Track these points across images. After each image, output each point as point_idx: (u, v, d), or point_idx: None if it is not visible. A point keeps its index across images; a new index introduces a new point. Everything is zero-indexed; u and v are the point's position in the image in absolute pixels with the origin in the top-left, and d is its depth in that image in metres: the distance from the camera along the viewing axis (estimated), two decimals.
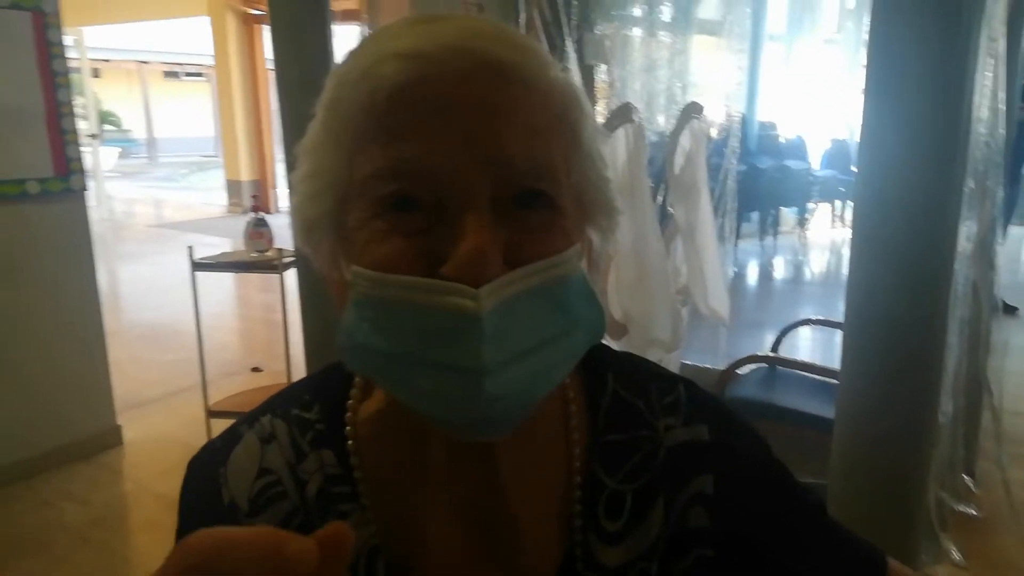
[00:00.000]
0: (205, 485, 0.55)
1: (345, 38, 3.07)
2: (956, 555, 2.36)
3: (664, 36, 3.17)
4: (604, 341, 0.53)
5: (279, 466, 0.55)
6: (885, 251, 1.68)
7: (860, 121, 1.63)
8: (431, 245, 0.44)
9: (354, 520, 0.53)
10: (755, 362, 2.77)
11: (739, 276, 6.54)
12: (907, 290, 1.68)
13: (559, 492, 0.56)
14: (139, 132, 21.46)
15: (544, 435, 0.56)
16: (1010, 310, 4.91)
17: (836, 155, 7.78)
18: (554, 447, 0.57)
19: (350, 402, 0.57)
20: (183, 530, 0.56)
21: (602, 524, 0.55)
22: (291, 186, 0.52)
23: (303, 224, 0.51)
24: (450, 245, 0.43)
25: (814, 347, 4.52)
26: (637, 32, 3.11)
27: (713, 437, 0.58)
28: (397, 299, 0.44)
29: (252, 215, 2.94)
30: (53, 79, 2.89)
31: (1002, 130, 2.09)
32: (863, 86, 1.65)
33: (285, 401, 0.58)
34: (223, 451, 0.56)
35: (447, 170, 0.44)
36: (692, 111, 2.51)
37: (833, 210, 8.10)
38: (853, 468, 1.85)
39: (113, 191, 12.16)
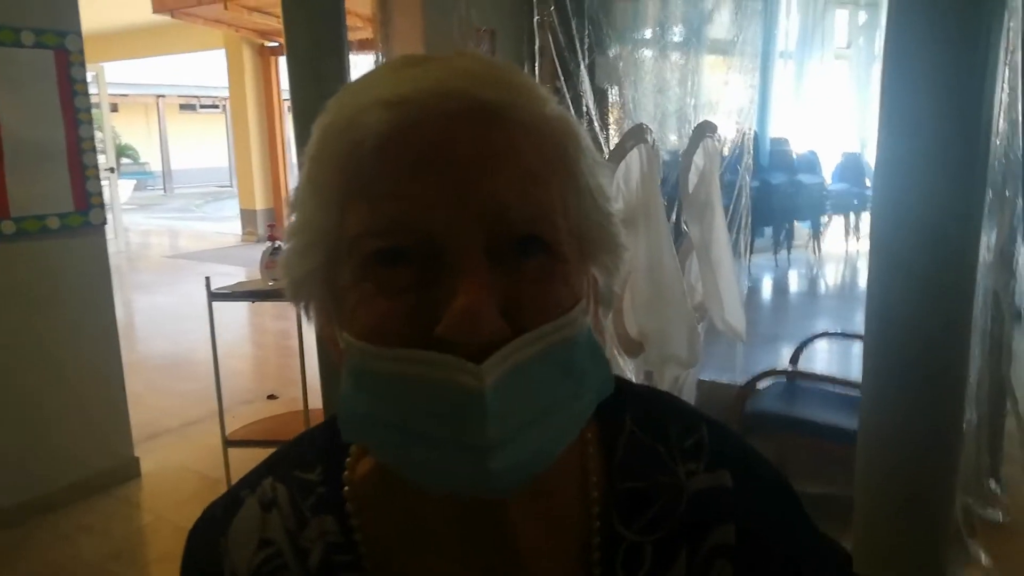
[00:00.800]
0: (206, 556, 0.54)
1: (362, 68, 3.11)
2: (984, 560, 2.32)
3: (676, 56, 3.18)
4: (619, 358, 0.51)
5: (280, 536, 0.52)
6: (904, 261, 1.66)
7: (874, 133, 1.62)
8: (424, 303, 0.42)
9: None
10: (774, 376, 2.74)
11: (754, 290, 6.51)
12: (928, 300, 1.65)
13: (577, 547, 0.53)
14: (155, 164, 21.74)
15: (560, 484, 0.53)
16: None
17: (848, 168, 7.74)
18: (570, 497, 0.54)
19: (348, 460, 0.54)
20: None
21: None
22: (284, 239, 0.50)
23: (291, 281, 0.48)
24: (444, 303, 0.41)
25: (831, 359, 4.48)
26: (649, 53, 3.12)
27: (736, 484, 0.55)
28: (391, 373, 0.42)
29: (268, 244, 2.96)
30: (75, 115, 2.94)
31: (1020, 140, 2.08)
32: (878, 98, 1.64)
33: (288, 461, 0.56)
34: (223, 520, 0.54)
35: (438, 221, 0.42)
36: (705, 130, 2.51)
37: (846, 223, 8.04)
38: (878, 479, 1.81)
39: (130, 223, 12.29)
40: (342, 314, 0.45)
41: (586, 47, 2.67)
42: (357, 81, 0.47)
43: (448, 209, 0.41)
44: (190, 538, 0.56)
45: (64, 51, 2.89)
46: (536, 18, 2.40)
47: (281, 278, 0.49)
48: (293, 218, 0.47)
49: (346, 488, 0.53)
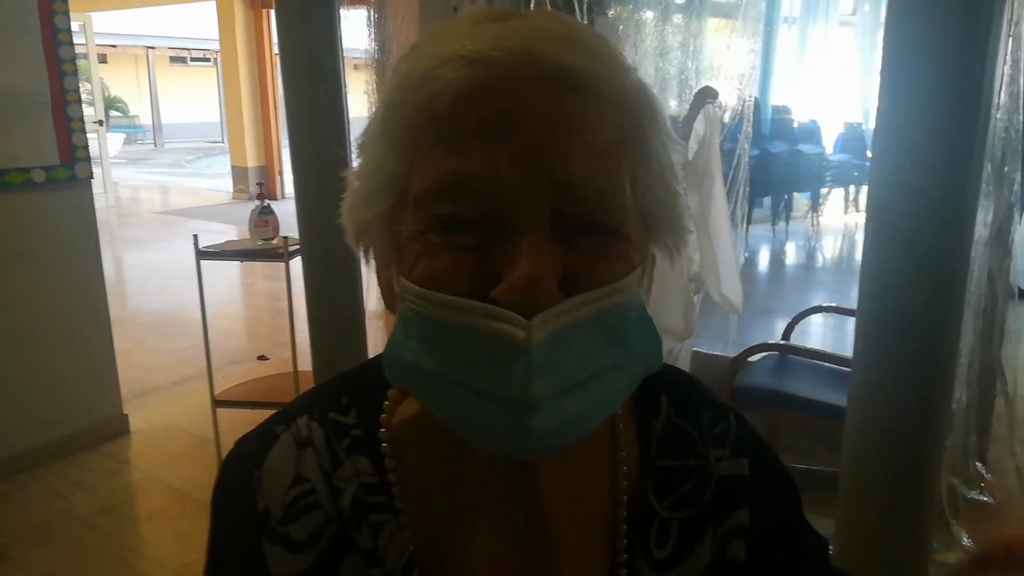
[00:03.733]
0: (239, 487, 0.53)
1: (353, 23, 3.03)
2: (968, 542, 2.34)
3: (677, 19, 3.11)
4: None
5: (314, 474, 0.52)
6: (900, 238, 1.64)
7: (876, 105, 1.58)
8: (485, 264, 0.42)
9: (388, 530, 0.51)
10: (767, 350, 2.73)
11: (750, 262, 6.50)
12: (922, 277, 1.64)
13: (604, 515, 0.54)
14: (145, 118, 21.44)
15: (590, 454, 0.54)
16: None
17: (850, 139, 7.67)
18: (600, 467, 0.55)
19: (387, 403, 0.54)
20: (216, 530, 0.54)
21: (652, 551, 0.54)
22: (347, 181, 0.49)
23: (355, 225, 0.49)
24: (504, 267, 0.41)
25: (825, 334, 4.49)
26: (650, 15, 3.06)
27: (752, 472, 0.58)
28: (445, 320, 0.42)
29: (257, 203, 2.91)
30: (59, 66, 2.87)
31: (1020, 115, 2.04)
32: (879, 69, 1.60)
33: (323, 403, 0.56)
34: (258, 453, 0.54)
35: (506, 189, 0.42)
36: (706, 96, 2.46)
37: (847, 195, 8.02)
38: (865, 456, 1.82)
39: (119, 177, 12.16)
40: (402, 261, 0.45)
41: (585, 7, 2.60)
42: (437, 31, 0.46)
43: (515, 176, 0.41)
44: (224, 469, 0.55)
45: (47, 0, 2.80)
46: None
47: (345, 221, 0.50)
48: (361, 161, 0.48)
49: (383, 430, 0.53)
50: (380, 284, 0.50)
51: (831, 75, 7.43)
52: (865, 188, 7.68)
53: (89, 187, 3.08)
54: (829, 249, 7.41)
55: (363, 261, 0.51)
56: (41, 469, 2.92)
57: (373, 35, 3.07)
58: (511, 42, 0.42)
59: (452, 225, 0.43)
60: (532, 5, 2.41)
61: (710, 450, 0.58)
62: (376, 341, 2.59)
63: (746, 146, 3.11)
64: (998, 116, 1.97)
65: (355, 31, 3.05)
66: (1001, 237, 2.16)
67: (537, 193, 0.42)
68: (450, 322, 0.42)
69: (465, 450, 0.49)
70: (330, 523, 0.51)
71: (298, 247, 2.72)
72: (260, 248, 2.84)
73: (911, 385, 1.69)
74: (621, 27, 2.78)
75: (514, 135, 0.41)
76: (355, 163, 0.49)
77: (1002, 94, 1.96)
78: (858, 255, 7.21)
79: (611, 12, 2.80)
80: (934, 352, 1.67)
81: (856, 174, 7.57)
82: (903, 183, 1.59)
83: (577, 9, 2.54)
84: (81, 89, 3.02)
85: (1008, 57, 1.98)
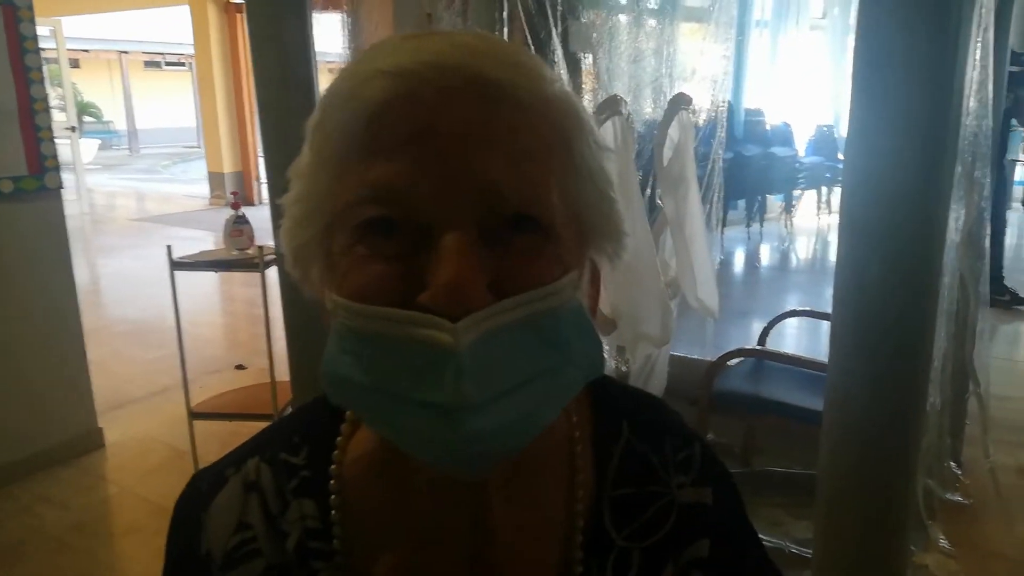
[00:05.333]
0: (187, 529, 0.55)
1: (326, 26, 3.01)
2: (944, 543, 2.36)
3: (651, 23, 3.13)
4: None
5: (257, 520, 0.53)
6: (873, 241, 1.66)
7: (847, 108, 1.60)
8: (413, 271, 0.42)
9: None
10: (744, 355, 2.75)
11: (726, 264, 6.55)
12: (895, 280, 1.66)
13: (558, 544, 0.53)
14: (120, 123, 21.17)
15: (544, 480, 0.53)
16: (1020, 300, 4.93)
17: (821, 142, 7.78)
18: (554, 494, 0.54)
19: (339, 439, 0.54)
20: (166, 569, 0.56)
21: None
22: (283, 209, 0.49)
23: (292, 250, 0.49)
24: (432, 272, 0.41)
25: (799, 335, 4.53)
26: (623, 20, 3.07)
27: (715, 502, 0.57)
28: (374, 331, 0.42)
29: (232, 212, 2.88)
30: (26, 74, 2.82)
31: (989, 120, 2.07)
32: (850, 72, 1.62)
33: (274, 442, 0.56)
34: (207, 496, 0.55)
35: (429, 196, 0.41)
36: (680, 102, 2.47)
37: (819, 197, 8.11)
38: (841, 459, 1.83)
39: (94, 184, 12.00)
40: (333, 278, 0.45)
41: (559, 13, 2.60)
42: (363, 53, 0.47)
43: (438, 182, 0.41)
44: (176, 508, 0.57)
45: (11, 7, 2.75)
46: None
47: (283, 247, 0.49)
48: (294, 188, 0.48)
49: (333, 467, 0.53)
50: (321, 309, 0.49)
51: (802, 78, 7.53)
52: (837, 190, 7.79)
53: (59, 197, 3.03)
54: (803, 250, 7.49)
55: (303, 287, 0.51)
56: (12, 486, 2.86)
57: (348, 39, 3.05)
58: (428, 55, 0.43)
59: (379, 230, 0.43)
60: (506, 13, 2.41)
61: (672, 477, 0.56)
62: None
63: (720, 151, 3.13)
64: (968, 121, 2.00)
65: (329, 35, 3.04)
66: (972, 241, 2.19)
67: (461, 198, 0.41)
68: (379, 332, 0.42)
69: (415, 483, 0.50)
70: (271, 570, 0.51)
71: (273, 256, 2.70)
72: (235, 258, 2.81)
73: (886, 388, 1.71)
74: (595, 33, 2.79)
75: (434, 146, 0.42)
76: (289, 192, 0.49)
77: (971, 100, 1.98)
78: (831, 256, 7.33)
79: (585, 18, 2.81)
80: (909, 355, 1.68)
81: (828, 176, 7.67)
82: (876, 188, 1.60)
83: (550, 15, 2.54)
84: (53, 95, 2.99)
85: (977, 63, 2.01)
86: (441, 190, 0.41)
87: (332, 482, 0.53)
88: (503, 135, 0.43)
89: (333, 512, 0.52)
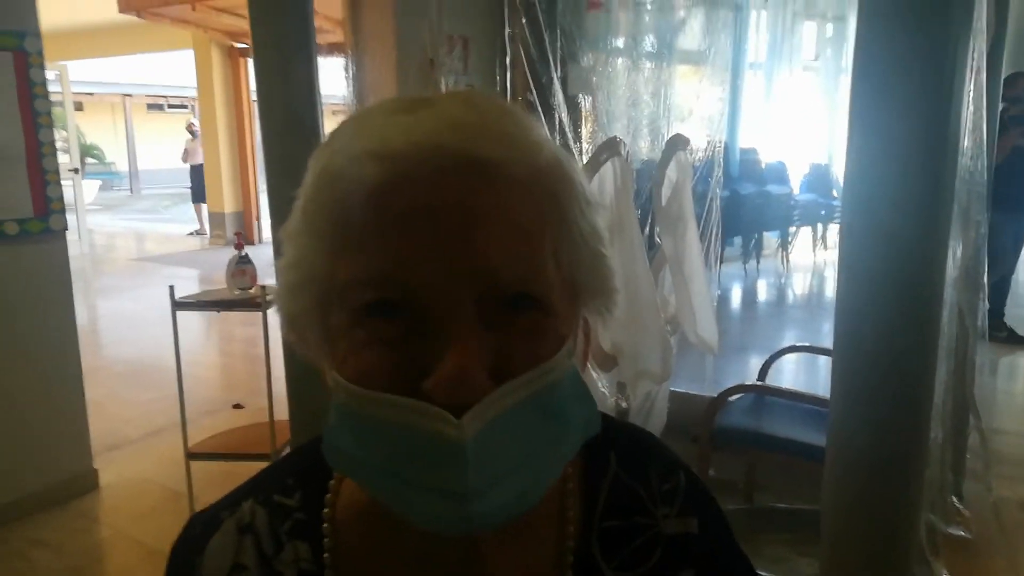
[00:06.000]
0: (181, 573, 0.55)
1: (332, 71, 3.07)
2: None
3: (648, 67, 3.19)
4: (592, 372, 0.51)
5: (252, 562, 0.53)
6: (873, 277, 1.67)
7: (841, 145, 1.63)
8: (413, 354, 0.42)
9: None
10: (746, 391, 2.75)
11: (723, 300, 6.57)
12: (897, 315, 1.66)
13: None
14: (122, 164, 21.33)
15: (537, 521, 0.54)
16: (1022, 340, 4.95)
17: (816, 179, 7.86)
18: (546, 530, 0.55)
19: (332, 482, 0.55)
20: None
21: None
22: (277, 271, 0.50)
23: (288, 316, 0.49)
24: (433, 356, 0.41)
25: (798, 370, 4.52)
26: (621, 63, 3.13)
27: (701, 531, 0.57)
28: (377, 416, 0.42)
29: (235, 252, 2.90)
30: (34, 119, 2.86)
31: (984, 159, 2.11)
32: (845, 109, 1.65)
33: (268, 485, 0.57)
34: (201, 539, 0.55)
35: (426, 281, 0.42)
36: (678, 143, 2.52)
37: (814, 233, 8.16)
38: (845, 496, 1.82)
39: (94, 224, 12.06)
40: (333, 354, 0.45)
41: (559, 58, 2.66)
42: (350, 123, 0.47)
43: (435, 267, 0.42)
44: (172, 552, 0.57)
45: (23, 52, 2.81)
46: (508, 30, 2.39)
47: (278, 310, 0.50)
48: (287, 252, 0.48)
49: (326, 510, 0.54)
50: (320, 372, 0.49)
51: (796, 118, 7.64)
52: (832, 226, 7.85)
53: (63, 239, 3.05)
54: (799, 286, 7.53)
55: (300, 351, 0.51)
56: (4, 529, 2.82)
57: (352, 83, 3.11)
58: (419, 135, 0.42)
59: (378, 314, 0.43)
60: (508, 59, 2.46)
61: (658, 508, 0.57)
62: None
63: (717, 189, 3.17)
64: (963, 161, 2.03)
65: (332, 78, 3.09)
66: (970, 276, 2.21)
67: (459, 282, 0.42)
68: (382, 418, 0.42)
69: (407, 535, 0.50)
70: None
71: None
72: (237, 298, 2.82)
73: (889, 423, 1.70)
74: (595, 77, 2.85)
75: (431, 228, 0.42)
76: (282, 256, 0.49)
77: (967, 139, 2.02)
78: (827, 291, 7.35)
79: (584, 62, 2.87)
80: (911, 389, 1.68)
81: (823, 213, 7.73)
82: (875, 224, 1.62)
83: (551, 59, 2.60)
84: (57, 137, 3.01)
85: (971, 104, 2.05)
86: (440, 274, 0.42)
87: (325, 525, 0.53)
88: (497, 215, 0.43)
89: (326, 555, 0.53)
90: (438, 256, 0.42)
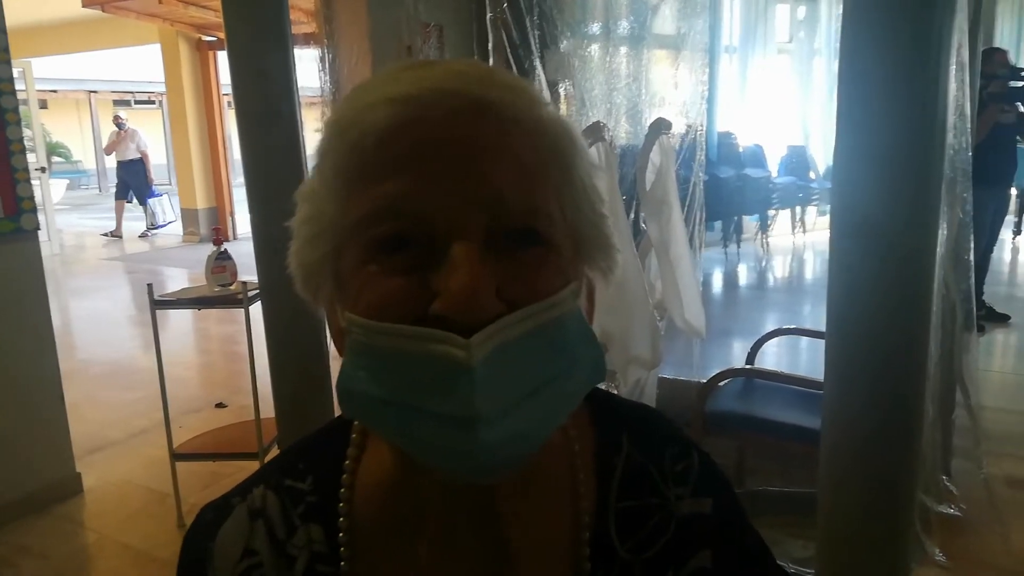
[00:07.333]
0: (194, 561, 0.55)
1: (306, 63, 3.01)
2: (940, 556, 2.37)
3: (627, 51, 3.18)
4: None
5: (263, 547, 0.54)
6: (864, 257, 1.67)
7: (816, 127, 1.62)
8: (424, 283, 0.43)
9: None
10: (735, 375, 2.75)
11: (705, 284, 6.60)
12: (888, 295, 1.67)
13: (567, 557, 0.54)
14: (89, 163, 20.95)
15: (550, 496, 0.54)
16: (1000, 318, 5.01)
17: (793, 161, 7.91)
18: (560, 508, 0.55)
19: (346, 463, 0.55)
20: None
21: None
22: (292, 230, 0.51)
23: (302, 270, 0.50)
24: (442, 281, 0.42)
25: (780, 352, 4.56)
26: (599, 48, 3.11)
27: (715, 512, 0.58)
28: (389, 347, 0.43)
29: (214, 248, 2.84)
30: (2, 116, 2.78)
31: (968, 137, 2.12)
32: (819, 91, 1.64)
33: (278, 470, 0.57)
34: (212, 526, 0.56)
35: (437, 208, 0.43)
36: (661, 127, 2.50)
37: (793, 216, 8.22)
38: (842, 477, 1.83)
39: (64, 224, 11.83)
40: (346, 296, 0.47)
41: (537, 40, 2.62)
42: (367, 82, 0.49)
43: (446, 193, 0.43)
44: (184, 540, 0.58)
45: None
46: (489, 15, 2.36)
47: (292, 269, 0.51)
48: (302, 210, 0.50)
49: (343, 491, 0.54)
50: (330, 328, 0.51)
51: (771, 100, 7.68)
52: (811, 209, 7.90)
53: (36, 239, 2.98)
54: (780, 269, 7.58)
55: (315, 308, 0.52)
56: None
57: (327, 74, 3.05)
58: (430, 82, 0.45)
59: (389, 247, 0.44)
60: (491, 44, 2.43)
61: (671, 489, 0.57)
62: None
63: (700, 173, 3.16)
64: (949, 139, 2.04)
65: (307, 70, 3.04)
66: (957, 255, 2.23)
67: (468, 207, 0.43)
68: (393, 348, 0.43)
69: (425, 514, 0.51)
70: None
71: (257, 291, 2.66)
72: (218, 295, 2.76)
73: (883, 403, 1.71)
74: (575, 60, 2.82)
75: (439, 161, 0.44)
76: (296, 214, 0.51)
77: (951, 116, 2.03)
78: (807, 274, 7.39)
79: (563, 45, 2.84)
80: (905, 369, 1.68)
81: (801, 195, 7.79)
82: (865, 204, 1.61)
83: (533, 42, 2.56)
84: (23, 137, 2.93)
85: (953, 80, 2.06)
86: (450, 200, 0.43)
87: (341, 505, 0.54)
88: (504, 150, 0.45)
89: (341, 535, 0.53)
90: (449, 183, 0.43)
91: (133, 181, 10.62)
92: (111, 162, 20.60)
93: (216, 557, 0.54)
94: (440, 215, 0.43)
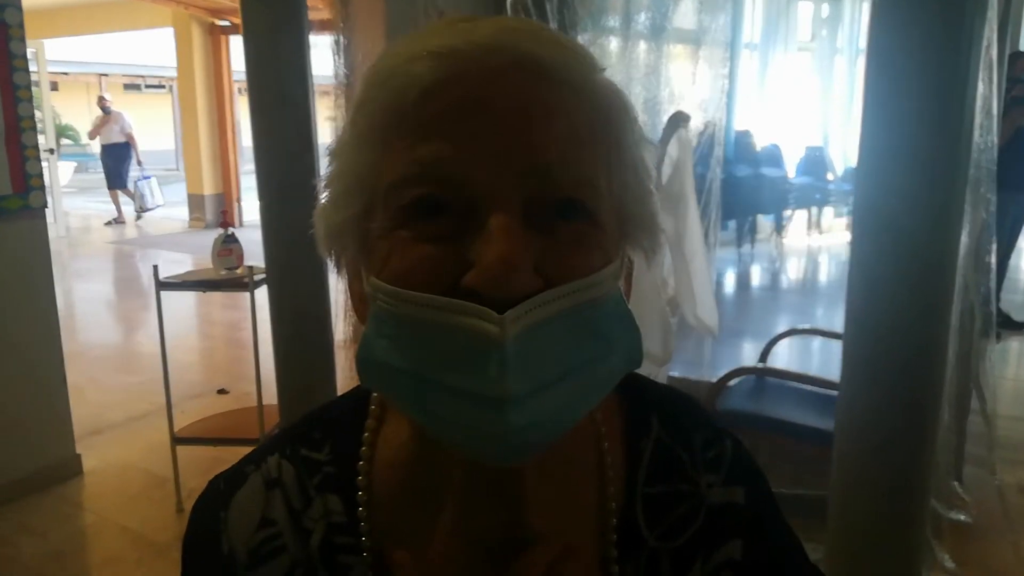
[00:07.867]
0: (206, 529, 0.53)
1: (322, 48, 2.97)
2: (950, 563, 2.34)
3: (645, 45, 3.13)
4: None
5: (282, 516, 0.52)
6: (885, 259, 1.64)
7: (836, 129, 1.58)
8: (458, 253, 0.40)
9: (356, 574, 0.50)
10: (747, 374, 2.72)
11: (718, 284, 6.55)
12: (908, 297, 1.63)
13: (593, 541, 0.52)
14: (97, 146, 20.99)
15: (575, 475, 0.52)
16: (1017, 326, 4.94)
17: (811, 162, 7.82)
18: (585, 491, 0.52)
19: (365, 435, 0.53)
20: (185, 574, 0.55)
21: None
22: (321, 186, 0.48)
23: (327, 229, 0.48)
24: (477, 252, 0.40)
25: (792, 353, 4.52)
26: (618, 41, 3.07)
27: (748, 502, 0.55)
28: (415, 317, 0.41)
29: (221, 231, 2.81)
30: (14, 93, 2.77)
31: (994, 136, 2.07)
32: (840, 91, 1.60)
33: (294, 439, 0.55)
34: (226, 494, 0.53)
35: (477, 175, 0.40)
36: (679, 120, 2.46)
37: (809, 217, 8.14)
38: (855, 479, 1.80)
39: (70, 207, 11.84)
40: (372, 261, 0.44)
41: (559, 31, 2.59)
42: (410, 35, 0.45)
43: (488, 161, 0.40)
44: (193, 510, 0.55)
45: (3, 24, 2.71)
46: (509, 1, 2.32)
47: (316, 228, 0.48)
48: (333, 165, 0.47)
49: (361, 463, 0.52)
50: (351, 294, 0.48)
51: (791, 100, 7.60)
52: (827, 210, 7.83)
53: (43, 217, 2.97)
54: (794, 271, 7.52)
55: (334, 271, 0.50)
56: None
57: (342, 60, 3.02)
58: (479, 36, 0.42)
59: (423, 213, 0.41)
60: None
61: (701, 475, 0.54)
62: (344, 372, 2.51)
63: (717, 170, 3.12)
64: (974, 138, 1.99)
65: (321, 57, 3.00)
66: (979, 257, 2.18)
67: (511, 176, 0.40)
68: (421, 319, 0.40)
69: (445, 487, 0.48)
70: (297, 566, 0.50)
71: (263, 276, 2.63)
72: (224, 278, 2.73)
73: (900, 406, 1.68)
74: (596, 51, 2.78)
75: (483, 123, 0.41)
76: (325, 169, 0.48)
77: (978, 114, 1.98)
78: (822, 276, 7.32)
79: (583, 37, 2.80)
80: (922, 373, 1.65)
81: (818, 196, 7.70)
82: (888, 206, 1.58)
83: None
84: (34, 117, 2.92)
85: (981, 81, 2.01)
86: (492, 166, 0.40)
87: (360, 478, 0.52)
88: (554, 114, 0.42)
89: (360, 509, 0.51)
90: (491, 150, 0.40)
91: (116, 166, 10.33)
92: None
93: (231, 527, 0.52)
94: (481, 183, 0.40)
